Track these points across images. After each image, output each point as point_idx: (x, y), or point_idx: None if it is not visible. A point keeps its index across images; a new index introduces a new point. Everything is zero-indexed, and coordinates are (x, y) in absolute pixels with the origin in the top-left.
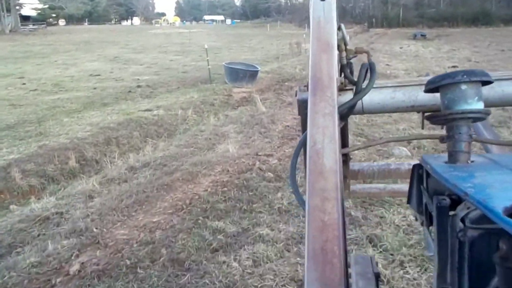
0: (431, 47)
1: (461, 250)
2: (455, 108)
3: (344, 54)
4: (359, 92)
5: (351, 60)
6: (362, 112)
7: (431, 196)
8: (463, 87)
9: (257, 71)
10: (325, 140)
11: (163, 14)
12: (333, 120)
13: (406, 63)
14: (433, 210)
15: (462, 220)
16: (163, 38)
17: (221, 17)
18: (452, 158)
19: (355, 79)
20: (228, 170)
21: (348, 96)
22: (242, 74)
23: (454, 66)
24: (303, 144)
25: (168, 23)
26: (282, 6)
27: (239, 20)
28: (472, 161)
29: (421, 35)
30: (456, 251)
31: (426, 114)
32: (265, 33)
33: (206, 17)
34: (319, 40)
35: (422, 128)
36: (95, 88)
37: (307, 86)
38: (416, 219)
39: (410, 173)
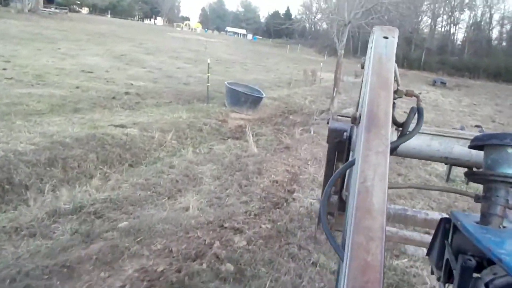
0: (450, 97)
1: None
2: (498, 170)
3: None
4: (404, 135)
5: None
6: (396, 153)
7: (455, 253)
8: (510, 150)
9: (261, 97)
10: (375, 178)
11: (187, 19)
12: (385, 159)
13: (426, 113)
14: (456, 268)
15: (486, 285)
16: (180, 43)
17: (244, 31)
18: (485, 219)
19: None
20: (171, 251)
21: (391, 136)
22: (244, 98)
23: (477, 126)
24: (340, 175)
25: (189, 28)
26: (306, 30)
27: (261, 37)
28: (504, 227)
29: (441, 82)
30: None
31: (465, 170)
32: (284, 54)
33: (229, 29)
34: (379, 77)
35: (447, 181)
36: (77, 87)
37: (342, 115)
38: (433, 273)
39: (425, 222)
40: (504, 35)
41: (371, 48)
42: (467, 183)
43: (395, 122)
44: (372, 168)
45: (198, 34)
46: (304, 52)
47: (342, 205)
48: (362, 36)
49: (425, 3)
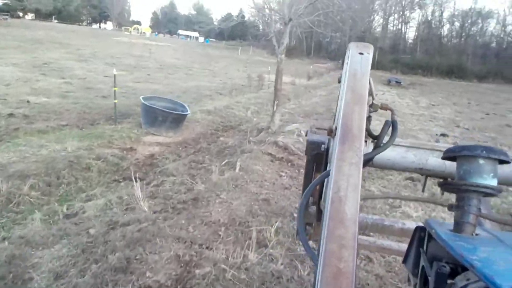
0: (407, 98)
1: None
2: (470, 180)
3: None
4: (378, 147)
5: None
6: (372, 165)
7: (430, 260)
8: (481, 161)
9: (184, 115)
10: (348, 188)
11: (138, 23)
12: (358, 170)
13: (384, 119)
14: (430, 275)
15: None
16: (124, 48)
17: (196, 34)
18: (458, 227)
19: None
20: None
21: (366, 148)
22: (162, 117)
23: (443, 134)
24: (315, 185)
25: (138, 32)
26: (259, 32)
27: (214, 39)
28: (477, 234)
29: (396, 82)
30: None
31: (439, 180)
32: (235, 57)
33: (181, 32)
34: (354, 92)
35: (423, 191)
36: None
37: (319, 128)
38: (409, 280)
39: (402, 232)
40: (454, 33)
41: (347, 63)
42: (442, 194)
43: (370, 135)
44: (345, 178)
45: (147, 38)
46: (257, 54)
47: (320, 215)
48: (315, 36)
49: (377, 2)
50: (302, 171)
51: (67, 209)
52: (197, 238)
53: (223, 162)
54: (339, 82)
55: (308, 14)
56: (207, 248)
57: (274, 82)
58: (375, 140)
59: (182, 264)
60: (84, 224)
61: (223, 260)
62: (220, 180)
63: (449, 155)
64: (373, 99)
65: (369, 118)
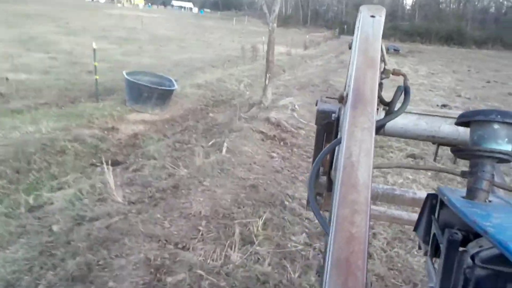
0: (406, 66)
1: (465, 287)
2: (484, 146)
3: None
4: (390, 114)
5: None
6: (383, 133)
7: (442, 228)
8: (496, 126)
9: (171, 90)
10: (361, 153)
11: None
12: (371, 135)
13: (385, 91)
14: (442, 242)
15: (472, 257)
16: (115, 20)
17: (191, 4)
18: (471, 194)
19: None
20: None
21: (378, 115)
22: (147, 93)
23: (444, 105)
24: (326, 153)
25: (131, 4)
26: (255, 1)
27: (209, 10)
28: (490, 201)
29: (394, 50)
30: (460, 287)
31: (452, 147)
32: (230, 28)
33: (175, 3)
34: (366, 56)
35: (435, 160)
36: None
37: (329, 97)
38: (420, 248)
39: (413, 201)
40: None
41: (358, 27)
42: (454, 162)
43: (382, 102)
44: (357, 144)
45: (140, 10)
46: (252, 24)
47: (331, 185)
48: (312, 4)
49: None
50: (296, 150)
51: (33, 200)
52: (173, 236)
53: (210, 143)
54: (350, 48)
55: None
56: (183, 248)
57: (266, 53)
58: (387, 107)
59: (152, 270)
60: (48, 219)
61: (201, 263)
62: (205, 164)
63: (462, 120)
64: (385, 64)
65: (380, 85)
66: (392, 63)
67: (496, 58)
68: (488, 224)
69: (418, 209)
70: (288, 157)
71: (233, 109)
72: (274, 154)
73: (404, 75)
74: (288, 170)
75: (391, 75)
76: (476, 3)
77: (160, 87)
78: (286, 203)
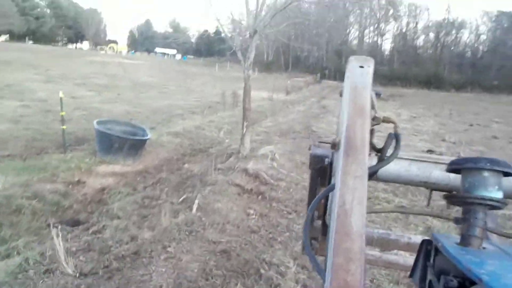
0: (388, 110)
1: None
2: (475, 193)
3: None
4: (382, 160)
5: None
6: (376, 179)
7: (438, 274)
8: (485, 174)
9: (144, 140)
10: (354, 201)
11: (115, 42)
12: (363, 183)
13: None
14: None
15: None
16: (97, 67)
17: (174, 51)
18: (465, 241)
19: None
20: None
21: (370, 161)
22: (118, 143)
23: (430, 151)
24: (320, 199)
25: (114, 51)
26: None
27: (192, 56)
28: (484, 247)
29: (376, 94)
30: None
31: (444, 193)
32: (212, 74)
33: (158, 50)
34: (356, 105)
35: (428, 205)
36: None
37: (322, 141)
38: None
39: (408, 246)
40: (429, 44)
41: (348, 77)
42: (448, 206)
43: (374, 148)
44: (350, 192)
45: (123, 57)
46: (234, 70)
47: (326, 229)
48: (293, 51)
49: (352, 15)
50: (275, 205)
51: None
52: None
53: (181, 199)
54: (341, 95)
55: (277, 25)
56: None
57: (242, 101)
58: (379, 154)
59: None
60: None
61: None
62: (172, 225)
63: (453, 167)
64: (375, 112)
65: (372, 131)
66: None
67: (476, 101)
68: (483, 271)
69: (413, 253)
70: (266, 213)
71: (210, 158)
72: (251, 211)
73: (394, 122)
74: (266, 230)
75: (381, 122)
76: (453, 48)
77: (132, 137)
78: (262, 271)
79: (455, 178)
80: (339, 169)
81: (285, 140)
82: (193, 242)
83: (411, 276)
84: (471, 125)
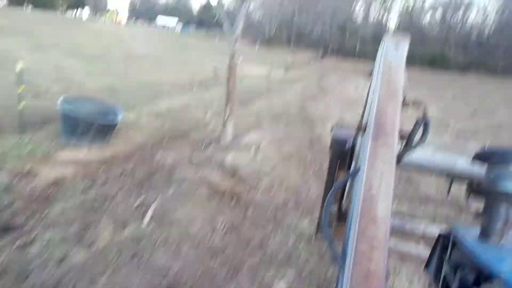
0: None
1: None
2: (500, 186)
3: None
4: (409, 146)
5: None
6: (399, 165)
7: (454, 268)
8: None
9: (113, 125)
10: (381, 187)
11: (116, 10)
12: (392, 167)
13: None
14: (454, 282)
15: None
16: (92, 37)
17: (175, 23)
18: (485, 235)
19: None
20: None
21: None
22: (84, 126)
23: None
24: (344, 183)
25: (113, 20)
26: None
27: (193, 27)
28: (503, 243)
29: None
30: None
31: (467, 184)
32: (212, 46)
33: (160, 20)
34: (388, 86)
35: (448, 195)
36: None
37: (343, 125)
38: (430, 286)
39: (423, 236)
40: (435, 23)
41: (381, 56)
42: (467, 198)
43: (400, 133)
44: (378, 176)
45: (122, 26)
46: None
47: (341, 215)
48: (295, 26)
49: None
50: (250, 212)
51: None
52: None
53: (137, 203)
54: (371, 75)
55: None
56: None
57: (226, 81)
58: (405, 139)
59: None
60: None
61: None
62: (113, 243)
63: (479, 158)
64: (405, 95)
65: None
66: None
67: (480, 84)
68: (502, 267)
69: (430, 245)
70: (237, 225)
71: (190, 145)
72: (218, 223)
73: (424, 107)
74: (233, 250)
75: (411, 106)
76: (459, 28)
77: (98, 121)
78: None
79: (479, 170)
80: (366, 152)
81: (276, 125)
82: (135, 270)
83: (426, 267)
84: (475, 110)
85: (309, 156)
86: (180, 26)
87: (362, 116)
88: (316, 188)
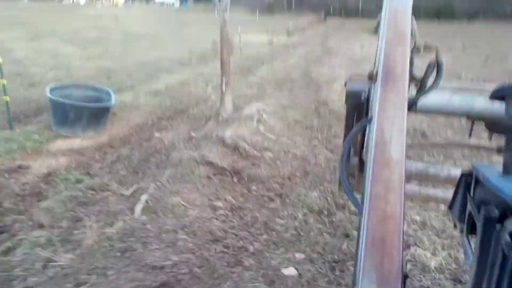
0: None
1: (503, 264)
2: None
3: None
4: (422, 90)
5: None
6: (415, 110)
7: (478, 205)
8: None
9: (107, 107)
10: (393, 130)
11: None
12: (403, 111)
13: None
14: (478, 220)
15: (510, 234)
16: (89, 21)
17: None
18: (508, 170)
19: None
20: None
21: (409, 92)
22: (74, 113)
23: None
24: (357, 132)
25: (110, 3)
26: None
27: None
28: None
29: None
30: (498, 264)
31: (487, 122)
32: (212, 19)
33: None
34: (395, 31)
35: (469, 136)
36: None
37: (359, 76)
38: (455, 226)
39: (448, 179)
40: None
41: (386, 1)
42: (490, 137)
43: (413, 78)
44: (389, 120)
45: (119, 9)
46: (236, 13)
47: (363, 166)
48: None
49: None
50: (254, 189)
51: None
52: None
53: (130, 191)
54: (376, 31)
55: None
56: None
57: (220, 52)
58: (418, 84)
59: None
60: None
61: None
62: (102, 239)
63: (497, 94)
64: (415, 39)
65: (411, 61)
66: None
67: (489, 31)
68: None
69: (453, 187)
70: (240, 204)
71: (190, 122)
72: (220, 204)
73: (436, 49)
74: (235, 235)
75: (423, 50)
76: None
77: (90, 105)
78: None
79: (499, 107)
80: (377, 99)
81: (279, 92)
82: (124, 270)
83: (450, 208)
84: (487, 58)
85: (315, 122)
86: (178, 2)
87: (374, 64)
88: (323, 156)
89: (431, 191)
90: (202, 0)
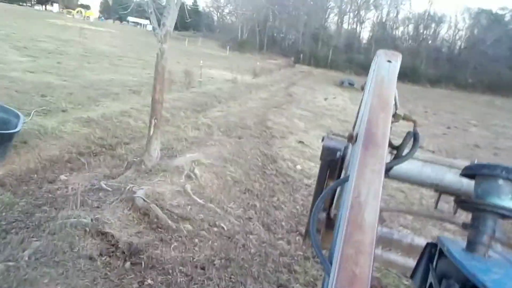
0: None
1: None
2: (488, 200)
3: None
4: (399, 157)
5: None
6: (387, 176)
7: (439, 278)
8: (500, 182)
9: (10, 134)
10: (369, 194)
11: (87, 7)
12: (380, 177)
13: (335, 130)
14: None
15: None
16: (54, 31)
17: (147, 22)
18: (471, 247)
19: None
20: None
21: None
22: None
23: None
24: (333, 190)
25: (82, 16)
26: (214, 23)
27: None
28: (489, 256)
29: (349, 84)
30: None
31: (455, 198)
32: (180, 48)
33: (131, 19)
34: (380, 98)
35: (435, 207)
36: None
37: (336, 134)
38: None
39: (410, 247)
40: (408, 36)
41: (374, 70)
42: (455, 212)
43: (390, 145)
44: (366, 184)
45: (89, 23)
46: (206, 46)
47: (330, 222)
48: (269, 31)
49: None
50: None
51: None
52: None
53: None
54: (363, 89)
55: None
56: None
57: (152, 90)
58: (394, 151)
59: None
60: None
61: None
62: None
63: (467, 172)
64: (396, 109)
65: (390, 128)
66: (345, 99)
67: (451, 99)
68: (487, 279)
69: (413, 256)
70: None
71: (108, 164)
72: None
73: (414, 121)
74: None
75: (401, 120)
76: (431, 42)
77: None
78: None
79: (468, 184)
80: (355, 161)
81: (226, 139)
82: None
83: (411, 277)
84: (449, 127)
85: (257, 185)
86: (151, 26)
87: (354, 126)
88: (257, 236)
89: (393, 256)
90: (176, 27)
